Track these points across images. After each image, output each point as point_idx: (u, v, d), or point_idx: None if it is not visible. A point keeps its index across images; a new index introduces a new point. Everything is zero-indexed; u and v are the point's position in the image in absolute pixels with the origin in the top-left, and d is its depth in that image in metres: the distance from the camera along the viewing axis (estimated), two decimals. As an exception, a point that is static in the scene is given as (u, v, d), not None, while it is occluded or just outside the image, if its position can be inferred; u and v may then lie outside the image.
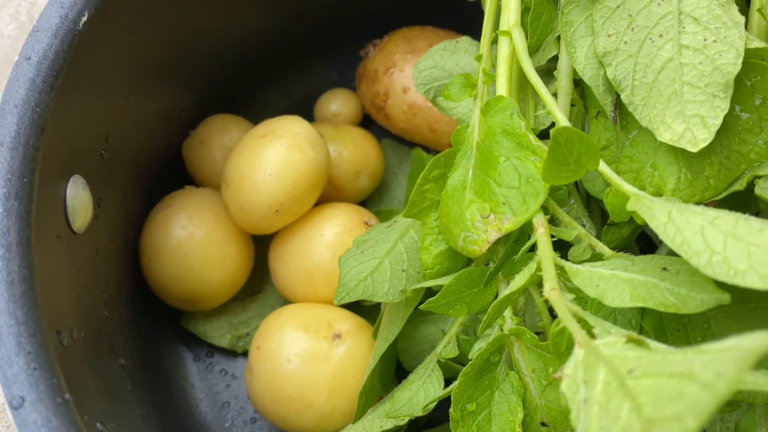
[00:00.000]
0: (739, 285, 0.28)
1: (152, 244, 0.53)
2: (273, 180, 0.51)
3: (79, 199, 0.42)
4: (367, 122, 0.66)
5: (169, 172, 0.58)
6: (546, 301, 0.46)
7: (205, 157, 0.58)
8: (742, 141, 0.40)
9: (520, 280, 0.37)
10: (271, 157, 0.52)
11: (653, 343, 0.29)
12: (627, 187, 0.36)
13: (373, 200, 0.64)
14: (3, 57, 0.70)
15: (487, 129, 0.43)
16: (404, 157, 0.65)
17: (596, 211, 0.48)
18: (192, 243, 0.53)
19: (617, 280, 0.34)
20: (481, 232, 0.40)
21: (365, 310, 0.56)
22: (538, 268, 0.36)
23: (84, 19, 0.41)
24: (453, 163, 0.45)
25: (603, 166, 0.37)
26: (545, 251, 0.36)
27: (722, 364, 0.22)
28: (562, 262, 0.36)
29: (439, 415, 0.55)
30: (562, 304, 0.32)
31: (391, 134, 0.65)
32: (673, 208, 0.32)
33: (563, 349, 0.33)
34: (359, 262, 0.47)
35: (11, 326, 0.33)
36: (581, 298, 0.37)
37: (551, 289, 0.33)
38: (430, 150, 0.62)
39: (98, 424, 0.35)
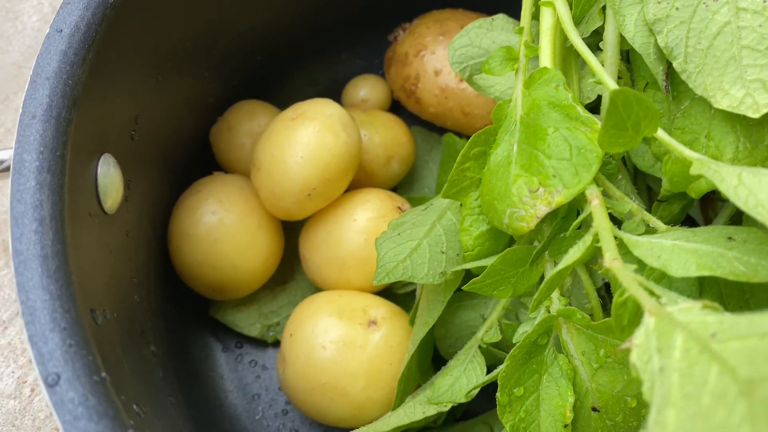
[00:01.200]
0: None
1: (181, 230, 0.52)
2: (305, 163, 0.50)
3: (110, 177, 0.41)
4: (395, 109, 0.64)
5: (197, 159, 0.57)
6: (602, 279, 0.44)
7: (233, 143, 0.57)
8: (804, 109, 0.38)
9: (574, 253, 0.35)
10: (302, 139, 0.50)
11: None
12: (688, 153, 0.34)
13: (403, 188, 0.62)
14: (27, 48, 0.69)
15: (531, 102, 0.42)
16: (434, 144, 0.64)
17: (642, 189, 0.46)
18: (222, 229, 0.52)
19: (680, 250, 0.33)
20: (529, 207, 0.39)
21: (398, 298, 0.55)
22: (594, 241, 0.35)
23: (115, -8, 0.40)
24: (495, 140, 0.43)
25: (661, 133, 0.35)
26: (602, 222, 0.34)
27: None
28: (621, 233, 0.34)
29: (474, 406, 0.53)
30: (627, 273, 0.30)
31: (420, 121, 0.63)
32: (742, 170, 0.30)
33: (625, 322, 0.31)
34: (396, 244, 0.46)
35: (45, 301, 0.31)
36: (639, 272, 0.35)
37: (613, 259, 0.31)
38: (461, 135, 0.60)
39: (134, 406, 0.33)
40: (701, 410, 0.22)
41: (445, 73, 0.58)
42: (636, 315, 0.31)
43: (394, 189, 0.61)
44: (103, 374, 0.31)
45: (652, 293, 0.30)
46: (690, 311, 0.26)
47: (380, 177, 0.58)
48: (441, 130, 0.63)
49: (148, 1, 0.44)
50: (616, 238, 0.34)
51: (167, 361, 0.48)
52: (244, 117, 0.57)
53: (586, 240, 0.35)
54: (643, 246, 0.33)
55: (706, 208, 0.48)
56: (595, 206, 0.35)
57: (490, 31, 0.51)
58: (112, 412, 0.30)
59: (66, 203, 0.35)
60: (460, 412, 0.53)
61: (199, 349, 0.55)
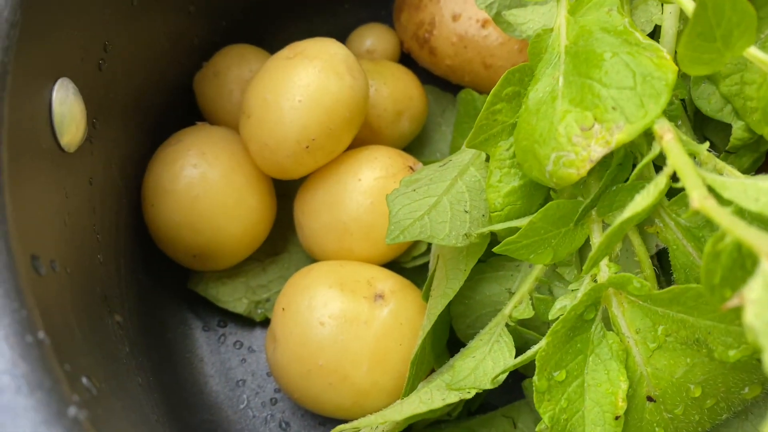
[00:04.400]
0: None
1: (157, 185, 0.44)
2: (303, 108, 0.43)
3: (68, 106, 0.34)
4: (405, 64, 0.57)
5: (179, 107, 0.50)
6: (655, 245, 0.37)
7: (220, 90, 0.50)
8: None
9: (643, 199, 0.28)
10: (301, 81, 0.43)
11: None
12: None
13: (413, 152, 0.55)
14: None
15: (579, 29, 0.35)
16: (448, 105, 0.57)
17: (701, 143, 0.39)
18: (204, 184, 0.44)
19: (783, 192, 0.26)
20: (581, 148, 0.32)
21: (406, 273, 0.47)
22: (670, 181, 0.28)
23: None
24: (533, 77, 0.36)
25: (754, 50, 0.28)
26: (681, 158, 0.27)
27: None
28: (704, 172, 0.27)
29: (492, 398, 0.46)
30: (725, 213, 0.23)
31: (432, 78, 0.56)
32: None
33: (717, 280, 0.24)
34: (412, 200, 0.39)
35: (-34, 237, 0.24)
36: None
37: (704, 198, 0.24)
38: (481, 92, 0.53)
39: (84, 379, 0.26)
40: None
41: (465, 18, 0.51)
42: (732, 269, 0.24)
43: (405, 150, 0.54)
44: (41, 335, 0.24)
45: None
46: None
47: (388, 135, 0.51)
48: (456, 90, 0.55)
49: None
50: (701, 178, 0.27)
51: (136, 336, 0.41)
52: (233, 62, 0.50)
53: (659, 182, 0.28)
54: (736, 187, 0.26)
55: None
56: (669, 141, 0.28)
57: (520, -37, 0.44)
58: (50, 383, 0.23)
59: (5, 123, 0.28)
60: (477, 405, 0.45)
61: (175, 327, 0.48)
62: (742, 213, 0.27)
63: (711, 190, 0.27)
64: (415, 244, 0.48)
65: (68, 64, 0.35)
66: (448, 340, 0.44)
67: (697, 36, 0.26)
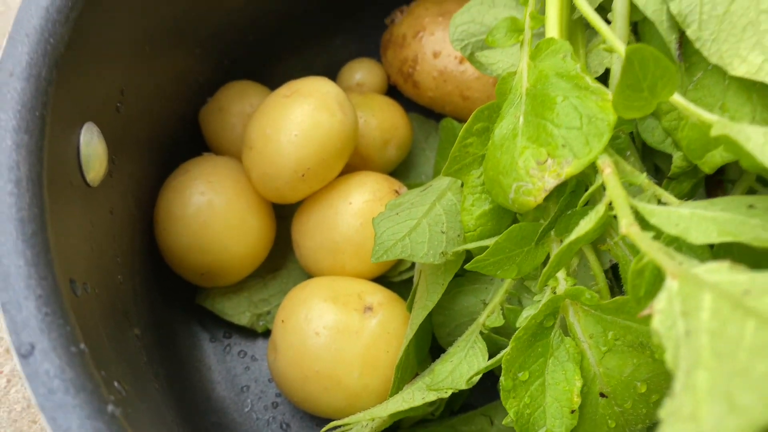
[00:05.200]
0: None
1: (168, 211, 0.49)
2: (299, 141, 0.48)
3: (93, 147, 0.39)
4: (392, 95, 0.62)
5: (186, 140, 0.55)
6: (609, 260, 0.42)
7: (224, 124, 0.55)
8: (823, 79, 0.36)
9: (586, 224, 0.33)
10: (297, 117, 0.48)
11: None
12: (708, 115, 0.32)
13: (399, 175, 0.60)
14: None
15: (538, 73, 0.40)
16: (431, 132, 0.62)
17: (650, 169, 0.45)
18: (211, 210, 0.49)
19: (699, 218, 0.31)
20: (537, 179, 0.37)
21: (394, 287, 0.53)
22: (607, 211, 0.33)
23: (101, -49, 0.38)
24: (499, 114, 0.42)
25: (677, 96, 0.33)
26: (616, 190, 0.32)
27: None
28: (635, 202, 0.32)
29: (473, 400, 0.51)
30: (646, 237, 0.28)
31: (417, 107, 0.61)
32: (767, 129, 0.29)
33: (642, 293, 0.29)
34: (395, 223, 0.44)
35: (20, 267, 0.29)
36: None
37: (630, 225, 0.29)
38: (460, 120, 0.58)
39: (116, 383, 0.31)
40: (739, 367, 0.20)
41: (444, 55, 0.56)
42: (654, 284, 0.29)
43: (390, 175, 0.59)
44: (82, 346, 0.29)
45: (672, 258, 0.28)
46: (718, 271, 0.24)
47: (376, 161, 0.56)
48: (438, 117, 0.61)
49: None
50: (631, 207, 0.32)
51: (152, 347, 0.46)
52: (235, 97, 0.55)
53: (599, 210, 0.33)
54: (660, 214, 0.31)
55: (714, 192, 0.46)
56: (608, 174, 0.33)
57: (492, 8, 0.49)
58: (91, 386, 0.28)
59: (45, 167, 0.33)
60: (458, 405, 0.50)
61: (185, 338, 0.52)
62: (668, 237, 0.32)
63: (641, 216, 0.32)
64: (401, 260, 0.53)
65: (92, 109, 0.40)
66: (430, 347, 0.49)
67: (627, 87, 0.32)
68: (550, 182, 0.36)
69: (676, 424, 0.21)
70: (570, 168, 0.35)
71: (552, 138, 0.36)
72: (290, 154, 0.48)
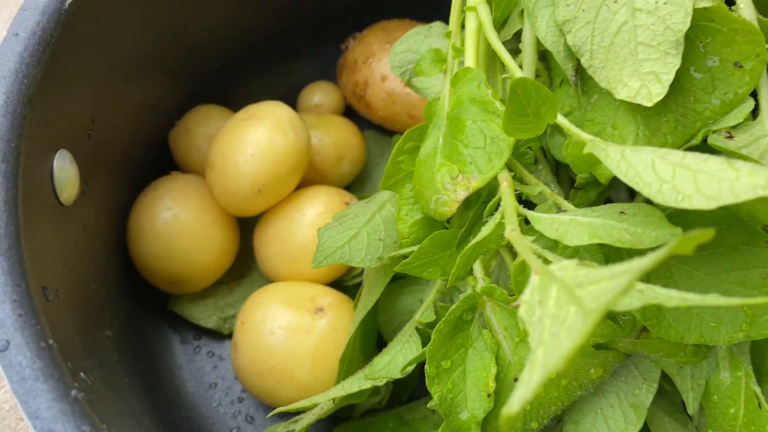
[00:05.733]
0: (686, 207, 0.30)
1: (139, 225, 0.55)
2: (255, 160, 0.53)
3: (65, 171, 0.44)
4: (349, 115, 0.68)
5: (157, 161, 0.60)
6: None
7: (190, 145, 0.60)
8: (697, 100, 0.42)
9: (485, 230, 0.39)
10: (252, 138, 0.53)
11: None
12: (583, 135, 0.38)
13: (356, 188, 0.65)
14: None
15: (456, 99, 0.45)
16: (386, 147, 0.67)
17: (566, 180, 0.50)
18: (177, 224, 0.55)
19: (576, 223, 0.36)
20: (451, 192, 0.42)
21: (348, 290, 0.58)
22: (503, 217, 0.38)
23: (69, 0, 0.43)
24: (426, 134, 0.47)
25: (560, 118, 0.39)
26: (508, 201, 0.38)
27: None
28: (525, 210, 0.38)
29: (420, 392, 0.56)
30: (522, 240, 0.34)
31: (372, 125, 0.67)
32: (625, 148, 0.34)
33: (522, 288, 0.35)
34: (337, 233, 0.49)
35: (-3, 276, 0.34)
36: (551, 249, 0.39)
37: (512, 230, 0.35)
38: (409, 137, 0.63)
39: (81, 374, 0.36)
40: (559, 344, 0.25)
41: (391, 79, 0.62)
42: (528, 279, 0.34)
43: (348, 188, 0.65)
44: (51, 342, 0.34)
45: (545, 261, 0.33)
46: (567, 268, 0.30)
47: (332, 176, 0.62)
48: (392, 133, 0.66)
49: (101, 10, 0.47)
50: (521, 215, 0.38)
51: (124, 348, 0.51)
52: (201, 120, 0.61)
53: (496, 218, 0.38)
54: (544, 221, 0.36)
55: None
56: (504, 188, 0.39)
57: (427, 38, 0.55)
58: (57, 374, 0.33)
59: (20, 190, 0.38)
60: (406, 396, 0.56)
61: (157, 340, 0.58)
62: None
63: (528, 222, 0.37)
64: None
65: (64, 138, 0.45)
66: (380, 344, 0.54)
67: (514, 113, 0.37)
68: (461, 194, 0.42)
69: (520, 388, 0.26)
70: (476, 182, 0.41)
71: (462, 156, 0.42)
72: (247, 172, 0.53)
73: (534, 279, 0.31)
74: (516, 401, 0.22)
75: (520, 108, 0.37)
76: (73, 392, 0.33)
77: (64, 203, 0.44)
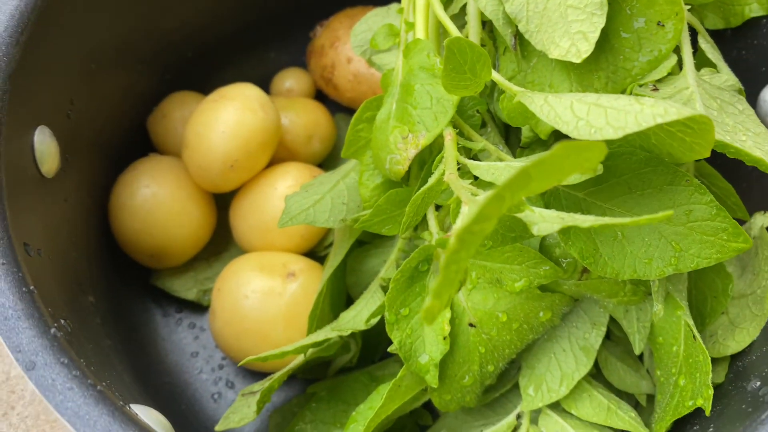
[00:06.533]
0: (598, 138, 0.33)
1: (119, 202, 0.58)
2: (226, 137, 0.57)
3: (45, 145, 0.47)
4: (320, 100, 0.71)
5: (137, 144, 0.64)
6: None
7: (167, 128, 0.64)
8: (626, 58, 0.45)
9: (432, 179, 0.42)
10: (223, 117, 0.57)
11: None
12: (514, 87, 0.41)
13: (329, 166, 0.69)
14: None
15: (408, 68, 0.49)
16: (356, 128, 0.71)
17: (515, 144, 0.53)
18: (155, 200, 0.58)
19: (510, 168, 0.39)
20: (402, 151, 0.45)
21: (321, 260, 0.61)
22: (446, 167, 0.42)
23: (46, -14, 0.47)
24: (382, 103, 0.50)
25: (495, 75, 0.42)
26: (449, 152, 0.41)
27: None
28: (464, 159, 0.41)
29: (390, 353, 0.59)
30: (458, 182, 0.37)
31: (343, 108, 0.70)
32: (549, 94, 0.37)
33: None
34: (303, 198, 0.52)
35: (-19, 230, 0.38)
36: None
37: (450, 174, 0.38)
38: (376, 116, 0.67)
39: (62, 320, 0.39)
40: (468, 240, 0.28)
41: (356, 60, 0.65)
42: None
43: (320, 167, 0.68)
44: (32, 288, 0.37)
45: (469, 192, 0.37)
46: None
47: (303, 154, 0.65)
48: (361, 116, 0.69)
49: (78, -3, 0.50)
50: (461, 164, 0.41)
51: (106, 315, 0.54)
52: (177, 106, 0.64)
53: (441, 168, 0.42)
54: (481, 168, 0.40)
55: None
56: (448, 141, 0.42)
57: (385, 18, 0.59)
58: (38, 315, 0.36)
59: (2, 156, 0.41)
60: (378, 356, 0.59)
61: (140, 313, 0.61)
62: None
63: (470, 170, 0.41)
64: (326, 236, 0.62)
65: (44, 115, 0.48)
66: (349, 305, 0.58)
67: (451, 70, 0.40)
68: (411, 152, 0.45)
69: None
70: (424, 140, 0.44)
71: (411, 117, 0.45)
72: (219, 148, 0.57)
73: (464, 209, 0.34)
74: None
75: (457, 65, 0.40)
76: (53, 330, 0.36)
77: (45, 175, 0.48)
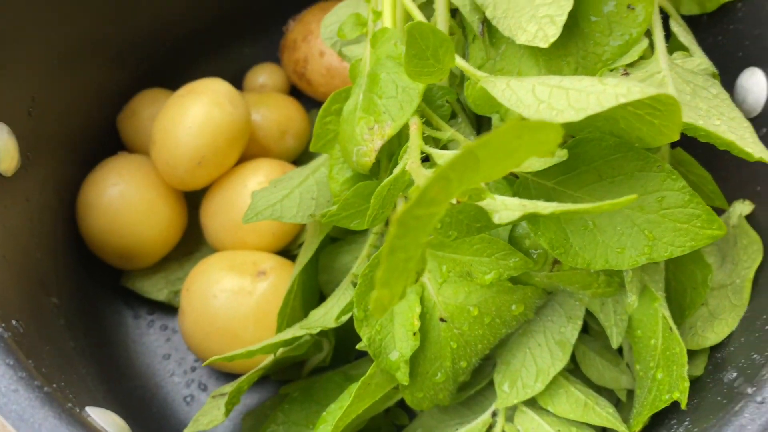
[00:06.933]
0: (559, 121, 0.32)
1: (87, 202, 0.57)
2: (194, 133, 0.55)
3: (3, 142, 0.46)
4: (295, 96, 0.70)
5: (106, 143, 0.62)
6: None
7: (137, 127, 0.62)
8: (596, 43, 0.44)
9: (397, 169, 0.41)
10: (190, 112, 0.56)
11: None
12: (478, 73, 0.40)
13: (305, 160, 0.67)
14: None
15: (375, 58, 0.47)
16: (331, 124, 0.69)
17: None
18: (123, 199, 0.57)
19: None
20: (369, 142, 0.44)
21: (294, 259, 0.60)
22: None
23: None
24: (350, 94, 0.49)
25: (459, 60, 0.41)
26: (414, 141, 0.40)
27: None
28: (430, 149, 0.40)
29: (365, 353, 0.58)
30: (420, 170, 0.36)
31: (318, 104, 0.69)
32: (511, 79, 0.36)
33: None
34: (270, 193, 0.51)
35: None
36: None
37: (412, 162, 0.37)
38: (351, 111, 0.66)
39: (13, 321, 0.38)
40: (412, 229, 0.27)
41: (329, 54, 0.64)
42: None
43: (295, 164, 0.67)
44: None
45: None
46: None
47: (276, 150, 0.64)
48: (337, 111, 0.68)
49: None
50: (425, 153, 0.40)
51: (72, 316, 0.52)
52: (147, 103, 0.63)
53: (405, 159, 0.41)
54: (445, 156, 0.39)
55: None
56: (413, 130, 0.41)
57: (356, 9, 0.57)
58: (-15, 315, 0.35)
59: (-47, 154, 0.40)
60: (353, 355, 0.57)
61: (110, 315, 0.59)
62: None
63: (435, 160, 0.40)
64: (300, 234, 0.60)
65: (2, 113, 0.47)
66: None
67: (413, 56, 0.39)
68: (378, 143, 0.44)
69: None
70: (390, 129, 0.43)
71: (377, 107, 0.44)
72: (187, 144, 0.55)
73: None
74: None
75: (419, 51, 0.39)
76: (0, 330, 0.35)
77: (4, 174, 0.46)
